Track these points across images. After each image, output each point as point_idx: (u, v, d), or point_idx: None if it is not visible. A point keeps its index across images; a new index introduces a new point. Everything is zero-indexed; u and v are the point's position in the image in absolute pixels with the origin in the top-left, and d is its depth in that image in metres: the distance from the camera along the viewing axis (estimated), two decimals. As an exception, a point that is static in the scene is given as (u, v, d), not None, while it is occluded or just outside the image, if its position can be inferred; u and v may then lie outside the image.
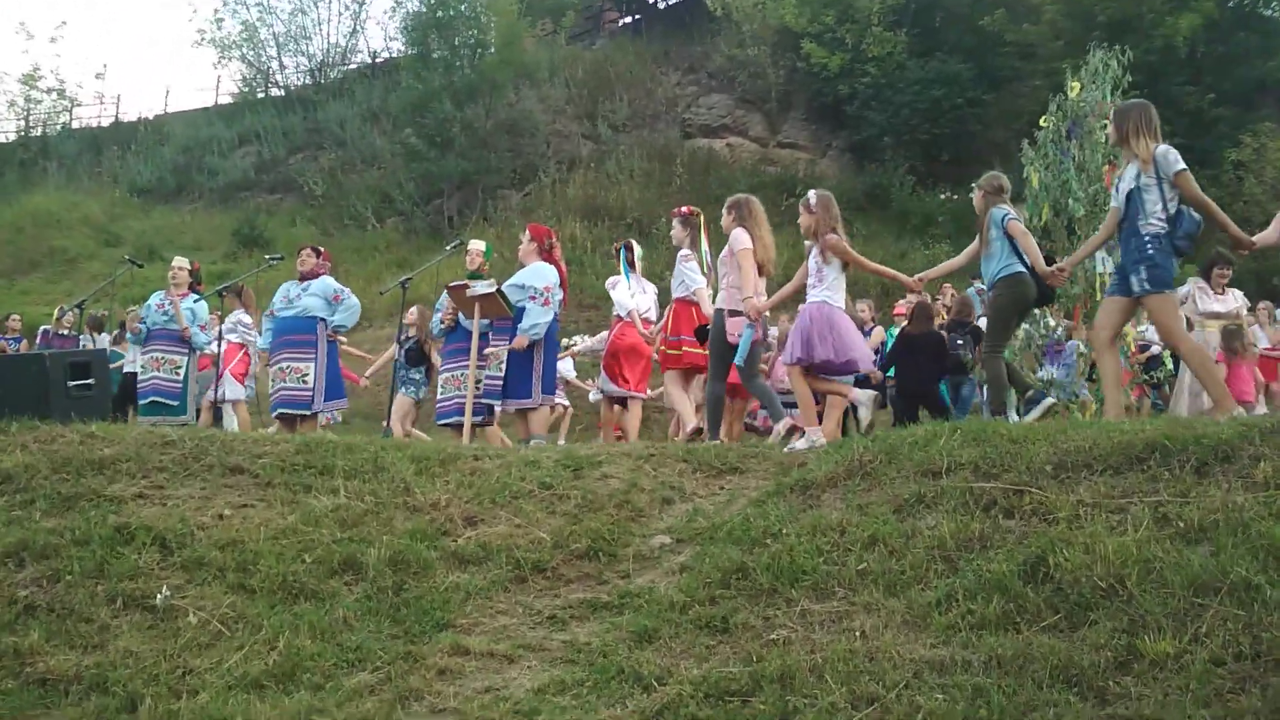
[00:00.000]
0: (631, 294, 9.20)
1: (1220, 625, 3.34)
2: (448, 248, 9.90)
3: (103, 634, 4.32)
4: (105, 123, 33.79)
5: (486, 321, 8.31)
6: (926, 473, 4.81)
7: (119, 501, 5.29)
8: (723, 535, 4.81)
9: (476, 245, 9.13)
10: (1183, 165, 5.92)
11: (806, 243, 6.90)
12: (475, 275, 8.58)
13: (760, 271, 7.03)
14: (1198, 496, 4.04)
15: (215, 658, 4.16)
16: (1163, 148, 5.96)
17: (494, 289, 8.06)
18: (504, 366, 7.94)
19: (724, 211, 7.34)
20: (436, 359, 9.65)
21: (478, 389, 8.17)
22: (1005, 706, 3.24)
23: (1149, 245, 5.90)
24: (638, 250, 9.49)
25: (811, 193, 6.99)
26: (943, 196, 21.77)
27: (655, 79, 26.78)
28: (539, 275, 8.13)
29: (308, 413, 8.67)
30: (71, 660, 4.13)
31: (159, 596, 4.51)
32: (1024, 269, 6.78)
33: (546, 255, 8.31)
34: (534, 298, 7.98)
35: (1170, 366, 11.20)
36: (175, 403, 9.39)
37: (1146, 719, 3.08)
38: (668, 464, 5.96)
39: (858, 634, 3.80)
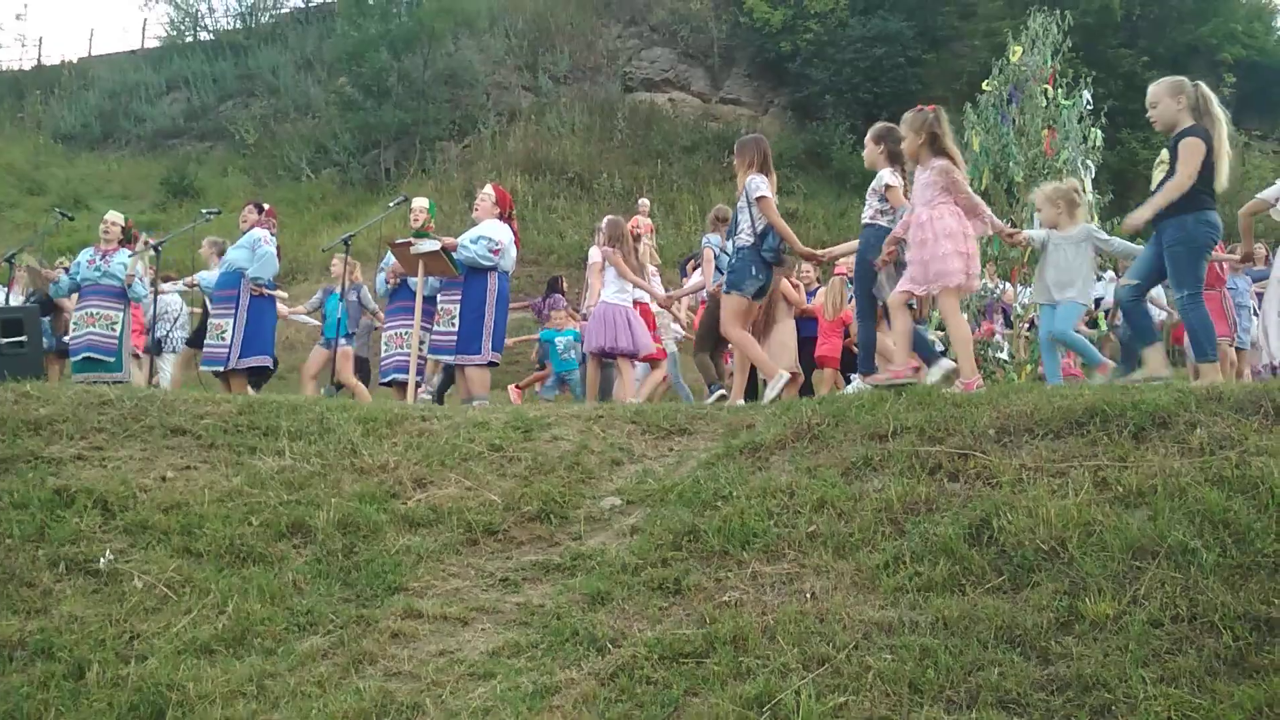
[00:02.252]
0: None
1: (1158, 587, 3.47)
2: (391, 204, 9.74)
3: (45, 599, 4.24)
4: (27, 66, 32.56)
5: (435, 281, 8.23)
6: (874, 436, 4.89)
7: (57, 463, 5.17)
8: (673, 497, 4.85)
9: (420, 203, 9.01)
10: (762, 194, 6.90)
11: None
12: (420, 233, 8.47)
13: None
14: (1136, 461, 4.17)
15: (162, 622, 4.11)
16: (753, 179, 6.97)
17: (439, 247, 7.97)
18: (456, 323, 7.87)
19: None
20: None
21: (422, 347, 8.10)
22: (951, 666, 3.34)
23: (735, 255, 7.01)
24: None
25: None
26: (881, 156, 21.92)
27: (596, 31, 26.47)
28: (499, 230, 8.11)
29: (221, 368, 8.53)
30: (14, 626, 4.04)
31: (102, 560, 4.44)
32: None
33: (505, 219, 8.26)
34: (496, 251, 7.91)
35: (1104, 327, 11.49)
36: (111, 359, 9.18)
37: (1087, 678, 3.20)
38: (616, 425, 5.98)
39: (808, 596, 3.88)
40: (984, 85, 9.68)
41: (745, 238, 6.91)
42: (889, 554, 4.00)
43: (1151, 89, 5.79)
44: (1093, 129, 9.53)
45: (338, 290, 9.27)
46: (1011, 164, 9.32)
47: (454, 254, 7.92)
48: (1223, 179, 5.57)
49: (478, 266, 7.90)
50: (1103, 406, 4.57)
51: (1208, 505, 3.73)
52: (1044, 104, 9.48)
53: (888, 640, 3.53)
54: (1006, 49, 9.80)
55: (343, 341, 9.42)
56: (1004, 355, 8.88)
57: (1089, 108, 9.61)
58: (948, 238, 5.70)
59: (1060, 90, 9.57)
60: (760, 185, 6.91)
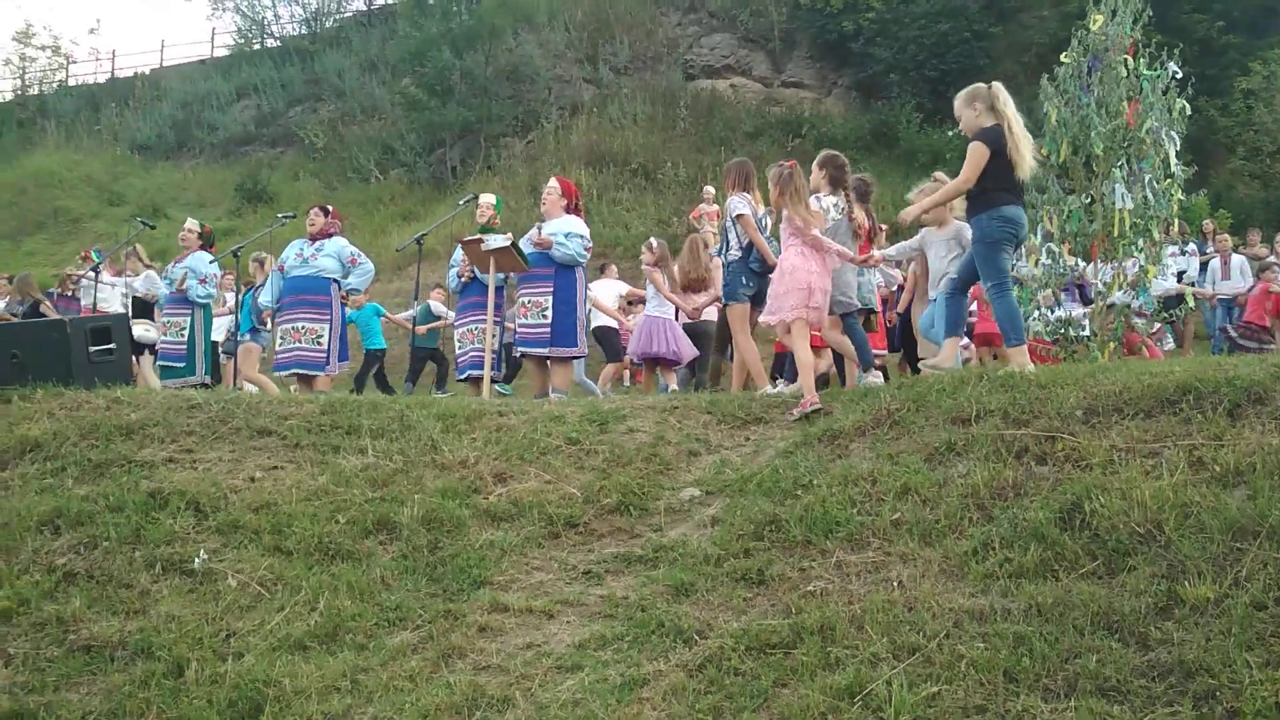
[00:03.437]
0: None
1: (1260, 569, 3.36)
2: (461, 201, 9.83)
3: (144, 599, 4.36)
4: (101, 79, 33.45)
5: (502, 276, 8.29)
6: (956, 420, 4.81)
7: (150, 466, 5.32)
8: (752, 487, 4.83)
9: (487, 199, 9.07)
10: (740, 212, 7.28)
11: None
12: (487, 229, 8.53)
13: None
14: (1232, 439, 4.04)
15: (257, 620, 4.20)
16: (733, 199, 7.44)
17: (509, 243, 8.02)
18: (548, 315, 7.95)
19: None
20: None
21: (496, 342, 8.17)
22: (1047, 654, 3.27)
23: (726, 269, 7.44)
24: None
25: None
26: (951, 133, 21.47)
27: (655, 20, 26.35)
28: (582, 225, 8.27)
29: (320, 373, 8.67)
30: (114, 626, 4.17)
31: (197, 560, 4.56)
32: None
33: (574, 210, 8.32)
34: (589, 248, 8.16)
35: (1190, 304, 11.16)
36: (180, 364, 9.44)
37: (1189, 664, 3.11)
38: (692, 416, 5.97)
39: (895, 584, 3.83)
40: (1062, 57, 9.42)
41: (734, 252, 7.38)
42: (977, 540, 3.93)
43: (955, 104, 6.32)
44: (1179, 100, 9.24)
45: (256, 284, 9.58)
46: (1093, 135, 9.06)
47: (550, 250, 8.01)
48: (1023, 170, 5.97)
49: (573, 263, 8.06)
50: (1195, 384, 4.44)
51: (1311, 483, 3.61)
52: (1124, 74, 9.21)
53: (979, 628, 3.47)
54: (1086, 18, 9.52)
55: (246, 338, 9.76)
56: (1086, 333, 8.65)
57: (1176, 77, 9.31)
58: (790, 274, 6.41)
59: (1142, 60, 9.29)
60: (738, 204, 7.37)
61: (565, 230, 8.08)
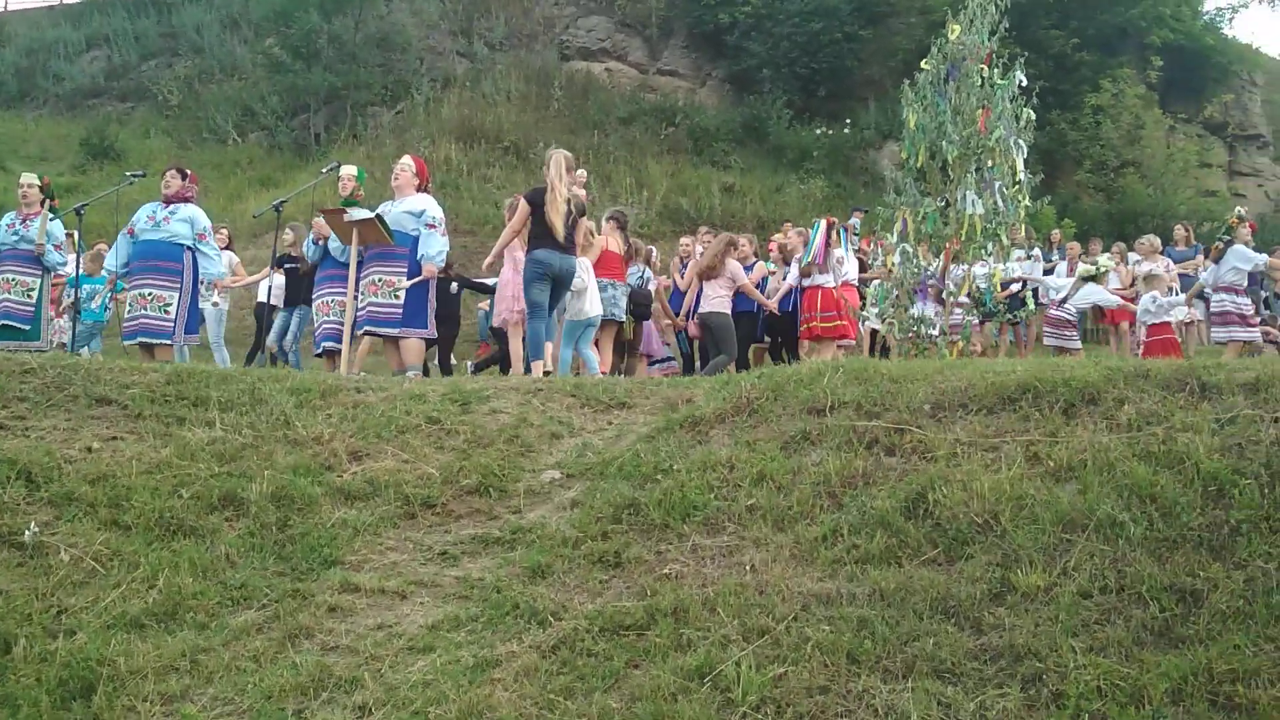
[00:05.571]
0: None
1: (1087, 559, 3.56)
2: (324, 170, 9.53)
3: (-34, 573, 4.11)
4: (-65, 18, 31.08)
5: (362, 248, 8.08)
6: (812, 410, 4.94)
7: (-24, 433, 5.00)
8: (613, 471, 4.86)
9: (349, 170, 8.78)
10: None
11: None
12: (350, 201, 8.29)
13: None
14: (1066, 436, 4.27)
15: (91, 596, 4.01)
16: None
17: (372, 215, 7.83)
18: (400, 295, 7.77)
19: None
20: None
21: (361, 314, 7.94)
22: (888, 637, 3.41)
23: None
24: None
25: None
26: (819, 131, 22.02)
27: (533, -3, 26.13)
28: (434, 205, 8.05)
29: (168, 342, 8.27)
30: (-67, 601, 3.92)
31: (27, 533, 4.30)
32: None
33: (424, 191, 8.17)
34: (432, 226, 7.85)
35: (1032, 305, 11.73)
36: (28, 326, 8.89)
37: (1019, 648, 3.28)
38: (556, 399, 5.96)
39: (748, 568, 3.92)
40: (922, 64, 9.74)
41: None
42: (827, 527, 4.05)
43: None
44: (1025, 109, 9.67)
45: None
46: (945, 143, 9.40)
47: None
48: (556, 229, 7.68)
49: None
50: (1034, 383, 4.67)
51: (1135, 480, 3.84)
52: (979, 83, 9.58)
53: (826, 612, 3.58)
54: (945, 27, 9.86)
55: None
56: (934, 332, 9.00)
57: (1022, 86, 9.74)
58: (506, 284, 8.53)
59: (996, 70, 9.68)
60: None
61: (418, 208, 7.93)
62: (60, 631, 3.80)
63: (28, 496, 4.54)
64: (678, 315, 10.87)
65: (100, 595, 4.02)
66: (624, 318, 9.62)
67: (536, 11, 25.73)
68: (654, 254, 11.33)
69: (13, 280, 8.85)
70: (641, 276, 10.43)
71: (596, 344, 9.20)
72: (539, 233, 7.66)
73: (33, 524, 4.35)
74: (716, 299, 9.84)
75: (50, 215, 9.02)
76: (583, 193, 15.21)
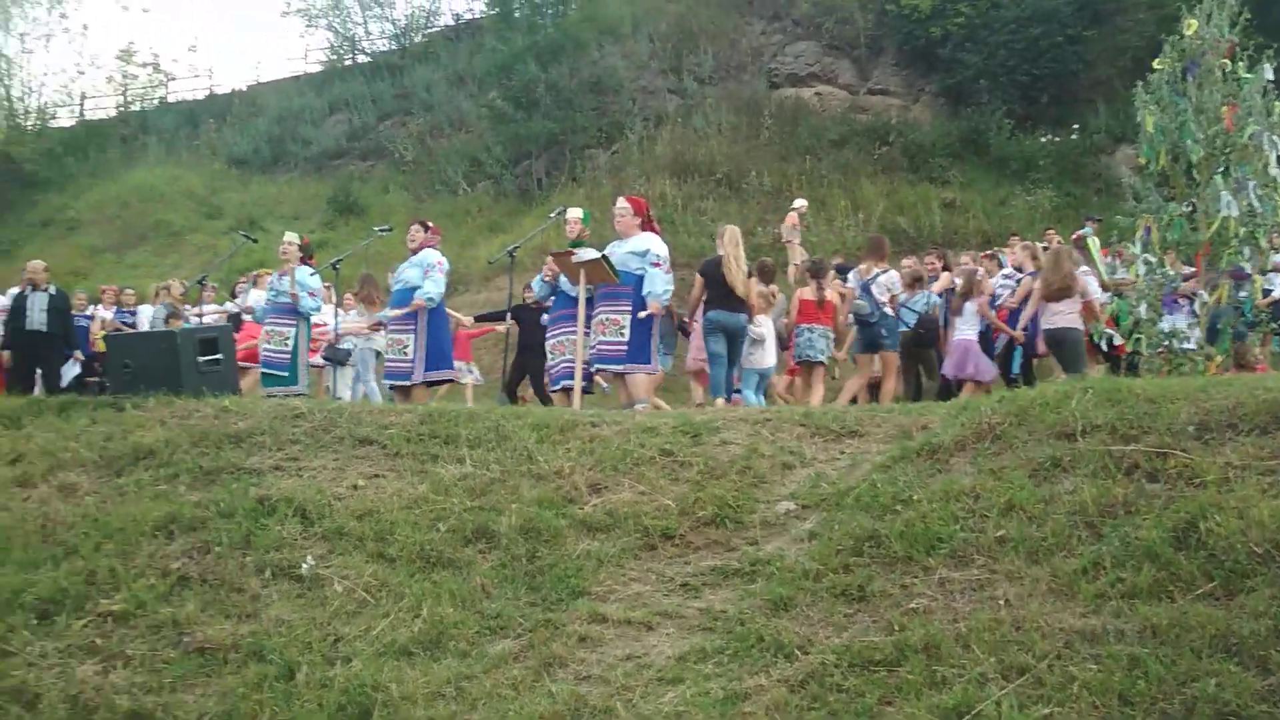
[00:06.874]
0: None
1: (1392, 594, 3.23)
2: (551, 215, 9.95)
3: (255, 603, 4.50)
4: (200, 96, 34.52)
5: (591, 287, 8.35)
6: (1061, 435, 4.70)
7: (258, 474, 5.49)
8: (850, 501, 4.78)
9: (574, 213, 9.16)
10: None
11: None
12: (577, 243, 8.62)
13: None
14: (1357, 458, 3.89)
15: (363, 625, 4.31)
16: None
17: (599, 256, 8.10)
18: (625, 332, 8.01)
19: None
20: None
21: (592, 351, 8.22)
22: (1163, 676, 3.20)
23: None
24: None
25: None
26: (1044, 139, 21.07)
27: (739, 29, 26.29)
28: (658, 243, 8.26)
29: (406, 383, 8.81)
30: (227, 629, 4.32)
31: (304, 566, 4.68)
32: None
33: (648, 225, 8.37)
34: (657, 264, 8.07)
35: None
36: (284, 373, 9.68)
37: (1317, 691, 3.01)
38: (785, 428, 5.94)
39: (1002, 603, 3.77)
40: (1155, 63, 9.19)
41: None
42: (1087, 559, 3.85)
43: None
44: (1277, 103, 8.94)
45: None
46: (1190, 142, 8.81)
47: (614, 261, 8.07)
48: (730, 290, 8.83)
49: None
50: (1315, 399, 4.29)
51: None
52: (1222, 78, 8.95)
53: (1092, 650, 3.39)
54: (1180, 22, 9.28)
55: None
56: (1190, 345, 8.40)
57: (1271, 80, 9.02)
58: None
59: (1241, 63, 9.02)
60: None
61: (642, 248, 8.14)
62: (338, 659, 4.09)
63: (304, 532, 4.94)
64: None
65: (371, 624, 4.30)
66: (820, 358, 10.21)
67: (744, 43, 25.92)
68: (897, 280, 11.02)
69: (272, 332, 9.72)
70: (928, 301, 10.75)
71: (793, 381, 10.74)
72: (712, 296, 9.13)
73: (309, 557, 4.72)
74: (1067, 314, 9.04)
75: (310, 271, 9.83)
76: (798, 238, 15.17)
